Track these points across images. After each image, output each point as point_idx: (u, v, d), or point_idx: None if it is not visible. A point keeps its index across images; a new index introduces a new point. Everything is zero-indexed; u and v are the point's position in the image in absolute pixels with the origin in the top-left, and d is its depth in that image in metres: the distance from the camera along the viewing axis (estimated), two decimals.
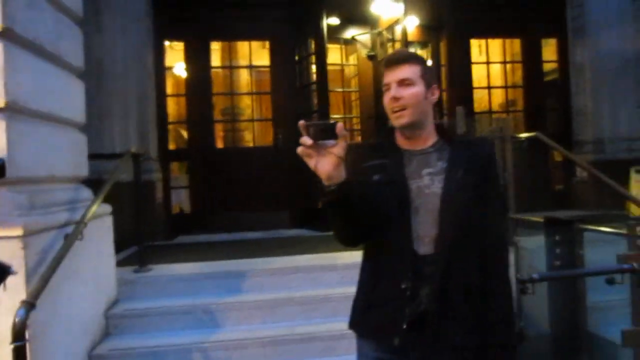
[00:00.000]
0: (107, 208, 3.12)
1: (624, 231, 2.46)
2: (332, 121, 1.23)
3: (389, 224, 1.40)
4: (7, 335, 1.77)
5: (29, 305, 1.80)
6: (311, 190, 5.29)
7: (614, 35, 5.69)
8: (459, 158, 1.42)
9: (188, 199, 5.63)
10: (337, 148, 1.22)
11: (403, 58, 1.45)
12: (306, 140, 1.21)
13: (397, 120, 1.41)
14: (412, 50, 5.99)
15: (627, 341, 2.33)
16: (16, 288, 1.93)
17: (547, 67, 6.35)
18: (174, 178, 5.70)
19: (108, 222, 3.16)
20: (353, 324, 1.50)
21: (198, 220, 5.45)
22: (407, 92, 1.40)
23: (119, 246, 3.35)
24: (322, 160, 1.22)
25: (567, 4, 6.03)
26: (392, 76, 1.42)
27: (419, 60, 1.46)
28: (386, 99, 1.43)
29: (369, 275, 1.47)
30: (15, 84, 2.15)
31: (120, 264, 3.43)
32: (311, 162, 1.23)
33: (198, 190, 5.56)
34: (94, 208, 2.60)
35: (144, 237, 3.63)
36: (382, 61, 1.54)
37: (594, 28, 5.77)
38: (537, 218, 3.38)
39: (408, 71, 1.41)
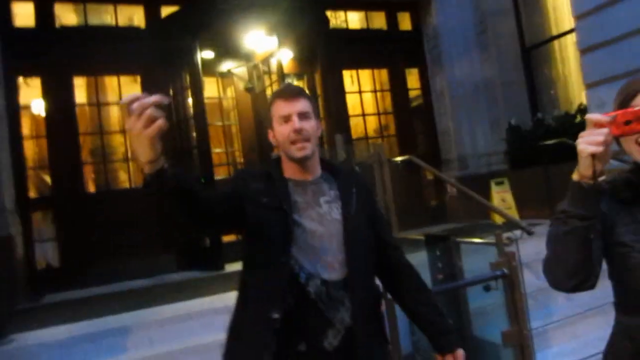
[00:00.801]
0: None
1: (492, 240, 2.70)
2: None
3: (267, 251, 1.40)
4: None
5: None
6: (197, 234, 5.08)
7: (465, 63, 6.43)
8: (347, 186, 1.51)
9: (56, 251, 5.03)
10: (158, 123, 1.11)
11: (299, 91, 1.51)
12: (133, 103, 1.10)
13: (300, 152, 1.43)
14: (288, 81, 6.15)
15: (506, 340, 2.54)
16: None
17: (412, 93, 6.92)
18: (37, 230, 5.05)
19: None
20: (227, 352, 1.47)
21: (70, 275, 4.86)
22: (308, 125, 1.44)
23: None
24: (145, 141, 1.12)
25: (424, 37, 6.68)
26: (292, 108, 1.44)
27: (309, 95, 1.53)
28: (286, 130, 1.44)
29: (241, 296, 1.47)
30: None
31: None
32: (135, 141, 1.13)
33: (67, 241, 4.99)
34: None
35: (3, 302, 3.15)
36: (275, 93, 1.55)
37: (447, 58, 6.46)
38: (418, 235, 3.60)
39: (305, 104, 1.46)
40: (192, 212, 1.30)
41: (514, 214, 5.27)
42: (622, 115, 1.02)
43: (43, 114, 5.35)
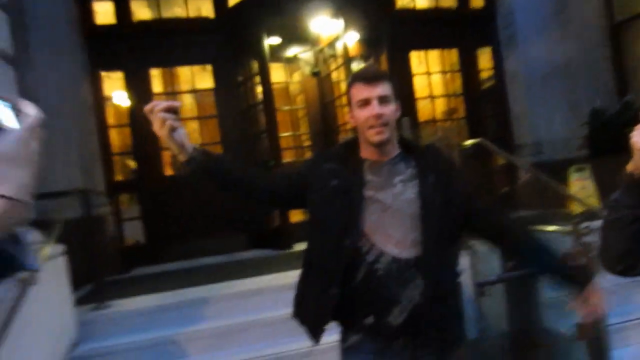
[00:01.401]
0: (59, 248, 2.99)
1: (568, 229, 2.62)
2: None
3: (331, 230, 1.47)
4: None
5: None
6: (265, 211, 5.31)
7: (542, 42, 6.07)
8: (425, 164, 1.52)
9: (141, 230, 5.47)
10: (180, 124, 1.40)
11: (381, 75, 1.52)
12: (170, 123, 1.37)
13: (378, 136, 1.46)
14: (354, 64, 6.17)
15: (581, 334, 2.48)
16: None
17: (483, 75, 6.68)
18: (124, 210, 5.52)
19: (61, 262, 3.03)
20: (293, 314, 1.61)
21: (153, 251, 5.30)
22: (387, 109, 1.46)
23: (74, 285, 3.22)
24: (174, 133, 1.40)
25: (498, 15, 6.40)
26: (372, 92, 1.45)
27: (389, 77, 1.54)
28: (364, 114, 1.46)
29: (304, 271, 1.59)
30: None
31: (77, 303, 3.28)
32: (163, 132, 1.38)
33: (151, 221, 5.41)
34: (46, 250, 2.49)
35: (99, 273, 3.51)
36: (355, 76, 1.56)
37: (523, 36, 6.14)
38: None
39: (386, 88, 1.47)
40: (239, 193, 1.54)
41: (594, 203, 5.00)
42: None
43: (125, 104, 5.77)
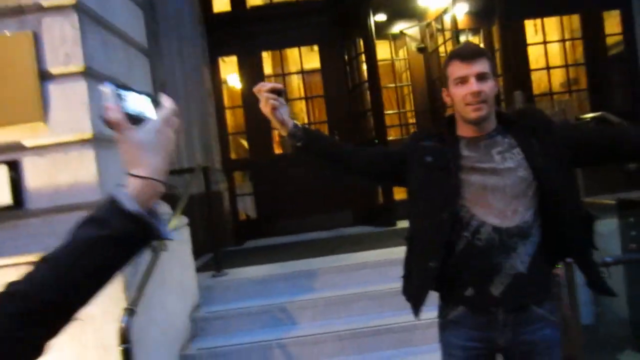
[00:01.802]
0: (184, 220, 3.35)
1: None
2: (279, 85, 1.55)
3: (430, 205, 1.52)
4: (112, 340, 1.99)
5: (131, 311, 2.01)
6: (371, 190, 5.38)
7: None
8: (523, 130, 1.50)
9: (253, 205, 5.86)
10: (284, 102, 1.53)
11: (479, 52, 1.51)
12: (267, 85, 1.51)
13: (476, 112, 1.46)
14: (463, 37, 5.92)
15: None
16: (117, 297, 2.16)
17: (610, 40, 6.03)
18: (238, 186, 5.95)
19: (186, 233, 3.40)
20: (402, 291, 1.68)
21: (264, 225, 5.68)
22: (486, 86, 1.45)
23: (195, 254, 3.59)
24: (277, 110, 1.51)
25: None
26: (470, 69, 1.45)
27: (488, 53, 1.53)
28: (462, 92, 1.47)
29: (408, 248, 1.65)
30: (99, 117, 2.38)
31: (198, 270, 3.67)
32: (268, 109, 1.49)
33: (262, 197, 5.78)
34: (175, 221, 2.81)
35: (216, 244, 3.86)
36: (452, 53, 1.56)
37: None
38: (609, 201, 3.27)
39: (485, 65, 1.46)
40: (339, 168, 1.64)
41: None
42: None
43: (238, 86, 6.15)
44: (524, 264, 1.43)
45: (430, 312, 1.63)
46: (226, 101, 6.26)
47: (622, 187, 5.28)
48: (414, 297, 1.60)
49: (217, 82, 5.73)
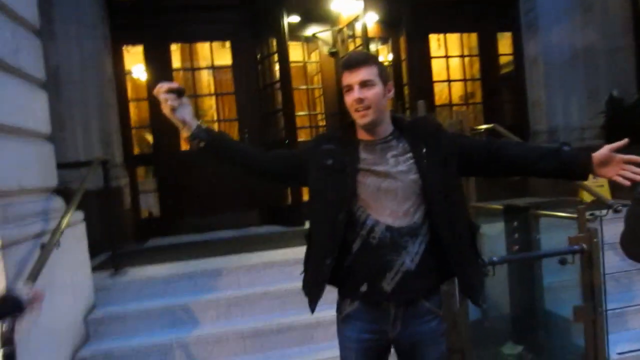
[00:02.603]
0: (80, 215, 3.13)
1: (574, 215, 2.66)
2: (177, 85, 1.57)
3: (327, 205, 1.58)
4: None
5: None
6: (279, 190, 5.40)
7: (564, 28, 5.99)
8: (415, 136, 1.60)
9: (157, 202, 5.61)
10: (187, 102, 1.58)
11: (361, 60, 1.57)
12: (165, 86, 1.54)
13: (362, 119, 1.55)
14: (372, 46, 6.15)
15: (578, 317, 2.54)
16: None
17: (503, 60, 6.62)
18: (141, 183, 5.66)
19: (81, 229, 3.17)
20: (302, 287, 1.72)
21: (168, 223, 5.46)
22: (369, 93, 1.53)
23: (92, 253, 3.36)
24: (178, 110, 1.56)
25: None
26: (353, 78, 1.54)
27: (375, 60, 1.60)
28: (349, 99, 1.56)
29: (307, 247, 1.72)
30: None
31: (94, 269, 3.44)
32: (167, 109, 1.54)
33: (166, 194, 5.55)
34: (68, 216, 2.61)
35: (115, 242, 3.65)
36: (341, 63, 1.64)
37: (544, 22, 6.06)
38: (497, 206, 3.58)
39: (367, 72, 1.54)
40: (241, 169, 1.67)
41: (605, 192, 4.97)
42: None
43: (144, 78, 5.86)
44: (413, 261, 1.53)
45: (332, 309, 1.68)
46: (130, 93, 5.93)
47: (510, 194, 5.82)
48: (310, 294, 1.65)
49: (120, 72, 5.41)
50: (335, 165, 1.57)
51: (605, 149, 1.53)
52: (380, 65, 1.59)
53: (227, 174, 5.47)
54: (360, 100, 1.52)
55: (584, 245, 2.53)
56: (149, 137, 5.87)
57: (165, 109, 1.53)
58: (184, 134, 1.57)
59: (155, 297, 3.31)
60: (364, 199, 1.55)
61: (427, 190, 1.53)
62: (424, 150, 1.57)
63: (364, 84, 1.53)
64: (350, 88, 1.55)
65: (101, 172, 3.52)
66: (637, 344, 3.07)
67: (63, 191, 3.09)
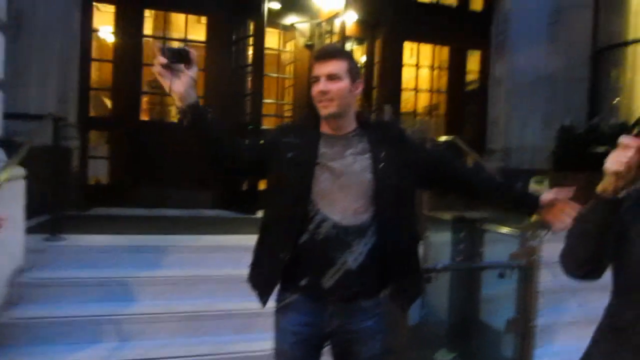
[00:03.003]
0: (21, 171, 2.96)
1: (517, 233, 2.77)
2: (185, 47, 1.46)
3: (284, 198, 1.57)
4: None
5: None
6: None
7: (530, 54, 6.22)
8: (376, 138, 1.61)
9: (106, 170, 5.40)
10: (191, 70, 1.46)
11: (332, 53, 1.59)
12: (161, 59, 1.42)
13: (324, 110, 1.56)
14: (348, 45, 6.17)
15: (509, 328, 2.65)
16: None
17: (470, 77, 6.80)
18: (92, 147, 5.44)
19: (21, 186, 3.00)
20: (247, 279, 1.70)
21: (116, 193, 5.25)
22: (334, 86, 1.54)
23: (30, 213, 3.18)
24: (176, 82, 1.45)
25: (494, 20, 6.50)
26: (321, 69, 1.55)
27: (346, 56, 1.61)
28: (314, 90, 1.57)
29: (259, 238, 1.67)
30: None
31: (30, 231, 3.24)
32: (166, 83, 1.44)
33: (118, 162, 5.35)
34: (9, 171, 2.47)
35: (57, 205, 3.48)
36: (314, 53, 1.68)
37: (513, 45, 6.28)
38: (445, 216, 3.68)
39: (336, 66, 1.55)
40: (217, 155, 1.60)
41: None
42: None
43: (112, 40, 5.63)
44: (356, 261, 1.53)
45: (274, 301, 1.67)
46: (94, 52, 5.68)
47: (463, 206, 5.97)
48: (263, 286, 1.64)
49: (87, 30, 5.15)
50: (295, 158, 1.56)
51: (552, 194, 1.62)
52: (351, 61, 1.59)
53: (184, 151, 5.33)
54: (324, 93, 1.54)
55: (523, 261, 2.64)
56: (108, 101, 5.64)
57: (187, 81, 1.46)
58: (177, 104, 1.49)
59: (92, 267, 3.17)
60: (316, 193, 1.54)
61: (378, 193, 1.54)
62: (383, 153, 1.57)
63: (331, 77, 1.54)
64: (317, 79, 1.56)
65: (52, 130, 3.35)
66: (562, 358, 3.23)
67: (9, 143, 2.92)
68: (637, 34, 5.60)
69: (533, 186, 5.58)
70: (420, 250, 3.27)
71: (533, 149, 6.23)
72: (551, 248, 3.11)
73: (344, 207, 1.53)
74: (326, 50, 1.66)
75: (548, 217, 1.63)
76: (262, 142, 1.67)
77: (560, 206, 1.61)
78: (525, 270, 2.58)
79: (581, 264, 1.26)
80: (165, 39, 5.85)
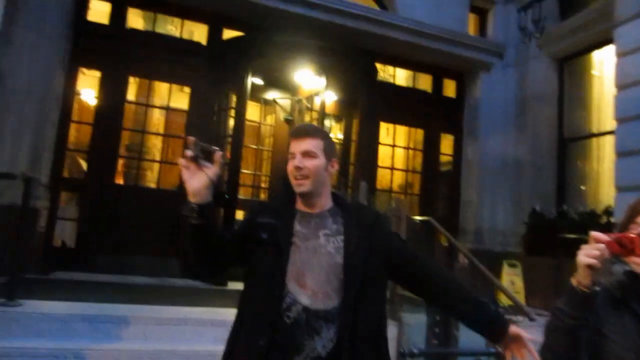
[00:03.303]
0: None
1: None
2: (215, 147, 1.42)
3: (261, 281, 1.51)
4: None
5: None
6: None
7: (499, 139, 6.56)
8: (350, 221, 1.59)
9: (74, 232, 5.21)
10: (211, 170, 1.42)
11: (309, 131, 1.62)
12: (189, 152, 1.39)
13: (299, 187, 1.56)
14: (327, 122, 6.37)
15: None
16: None
17: (443, 158, 7.04)
18: (62, 208, 5.28)
19: None
20: None
21: (81, 257, 5.04)
22: (309, 163, 1.55)
23: None
24: (195, 177, 1.41)
25: (465, 106, 6.88)
26: (298, 147, 1.57)
27: (323, 135, 1.63)
28: (290, 166, 1.57)
29: (235, 326, 1.54)
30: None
31: None
32: (185, 175, 1.41)
33: (86, 225, 5.19)
34: None
35: (17, 267, 3.30)
36: (291, 131, 1.69)
37: (484, 131, 6.62)
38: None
39: (312, 144, 1.57)
40: (207, 258, 1.52)
41: (520, 299, 5.24)
42: (617, 239, 1.19)
43: (93, 103, 5.67)
44: (325, 348, 1.43)
45: None
46: (75, 114, 5.69)
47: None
48: None
49: (69, 92, 5.21)
50: (270, 239, 1.52)
51: (520, 332, 1.53)
52: (327, 140, 1.62)
53: (154, 216, 5.25)
54: (299, 169, 1.55)
55: (499, 348, 2.58)
56: (83, 163, 5.56)
57: (205, 180, 1.41)
58: (190, 198, 1.41)
59: (49, 337, 2.97)
60: (288, 274, 1.48)
61: (348, 277, 1.49)
62: (356, 237, 1.55)
63: (306, 154, 1.56)
64: (293, 156, 1.57)
65: (21, 188, 3.25)
66: None
67: None
68: (599, 127, 5.95)
69: (506, 269, 5.67)
70: (394, 331, 3.22)
71: (504, 231, 6.37)
72: (529, 334, 3.10)
73: (314, 289, 1.47)
74: (303, 128, 1.68)
75: (507, 350, 1.54)
76: (239, 229, 1.62)
77: (523, 347, 1.52)
78: (503, 357, 2.52)
79: (560, 358, 1.25)
80: (147, 105, 5.92)
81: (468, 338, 3.24)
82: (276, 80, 6.51)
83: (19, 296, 3.21)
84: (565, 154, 6.29)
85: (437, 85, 6.97)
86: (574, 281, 1.23)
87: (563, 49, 6.23)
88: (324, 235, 1.55)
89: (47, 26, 4.69)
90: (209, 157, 1.41)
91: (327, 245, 1.53)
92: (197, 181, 1.40)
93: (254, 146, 6.84)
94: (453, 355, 2.97)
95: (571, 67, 6.39)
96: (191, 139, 1.40)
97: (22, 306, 3.14)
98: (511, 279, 5.73)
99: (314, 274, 1.49)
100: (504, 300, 5.17)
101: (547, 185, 6.26)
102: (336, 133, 7.16)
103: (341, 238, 1.55)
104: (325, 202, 1.61)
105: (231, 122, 5.66)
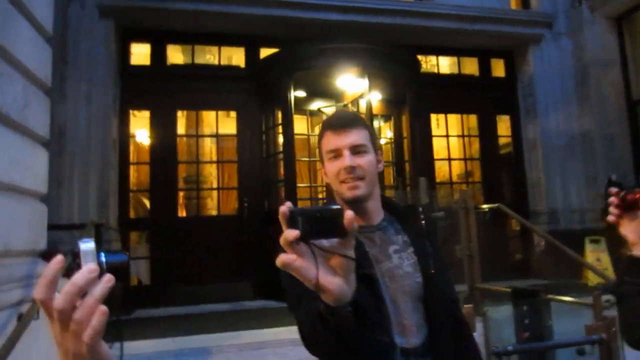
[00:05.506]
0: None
1: (589, 302, 2.52)
2: (334, 206, 0.74)
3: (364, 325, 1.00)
4: None
5: None
6: (272, 261, 5.21)
7: (561, 114, 6.17)
8: (416, 228, 1.29)
9: (147, 269, 5.40)
10: (347, 246, 0.75)
11: (352, 120, 1.25)
12: (292, 233, 0.72)
13: (352, 191, 1.19)
14: (375, 122, 6.25)
15: None
16: None
17: (501, 141, 6.72)
18: (133, 248, 5.49)
19: None
20: None
21: (158, 292, 5.21)
22: (362, 161, 1.20)
23: None
24: (326, 271, 0.76)
25: (518, 84, 6.54)
26: (342, 141, 1.20)
27: (365, 123, 1.29)
28: (335, 168, 1.21)
29: None
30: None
31: None
32: (308, 275, 0.75)
33: (159, 261, 5.36)
34: None
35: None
36: (324, 123, 1.29)
37: (542, 107, 6.25)
38: (504, 288, 3.43)
39: (360, 136, 1.22)
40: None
41: (609, 275, 4.87)
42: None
43: (147, 142, 5.88)
44: None
45: None
46: (132, 156, 5.92)
47: (513, 275, 5.66)
48: None
49: (124, 135, 5.43)
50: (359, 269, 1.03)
51: None
52: (370, 129, 1.27)
53: (218, 242, 5.34)
54: (352, 169, 1.18)
55: (603, 335, 2.37)
56: (146, 201, 5.77)
57: (342, 265, 0.77)
58: (325, 299, 0.79)
59: None
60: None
61: (431, 299, 1.18)
62: (428, 247, 1.24)
63: (357, 149, 1.20)
64: (338, 153, 1.20)
65: (93, 235, 3.38)
66: None
67: (52, 254, 2.94)
68: None
69: (589, 247, 5.30)
70: (480, 327, 3.04)
71: (580, 208, 5.97)
72: None
73: (405, 323, 1.15)
74: (343, 117, 1.27)
75: None
76: None
77: None
78: (607, 344, 2.30)
79: (634, 329, 1.16)
80: (198, 136, 6.06)
81: (561, 326, 3.03)
82: (319, 90, 6.46)
83: (109, 340, 3.32)
84: (637, 117, 5.81)
85: (484, 67, 6.69)
86: (627, 252, 1.18)
87: (618, 7, 5.80)
88: (394, 252, 1.21)
89: (96, 76, 4.92)
90: (328, 226, 0.73)
91: (402, 264, 1.19)
92: (333, 276, 0.76)
93: (305, 159, 6.82)
94: (553, 348, 2.75)
95: (630, 25, 5.93)
96: (284, 208, 0.73)
97: (112, 349, 3.25)
98: (596, 256, 5.35)
99: (397, 304, 1.16)
100: (592, 278, 4.83)
101: (622, 154, 5.82)
102: (385, 132, 7.01)
103: (411, 251, 1.22)
104: (379, 209, 1.26)
105: (280, 139, 5.68)
